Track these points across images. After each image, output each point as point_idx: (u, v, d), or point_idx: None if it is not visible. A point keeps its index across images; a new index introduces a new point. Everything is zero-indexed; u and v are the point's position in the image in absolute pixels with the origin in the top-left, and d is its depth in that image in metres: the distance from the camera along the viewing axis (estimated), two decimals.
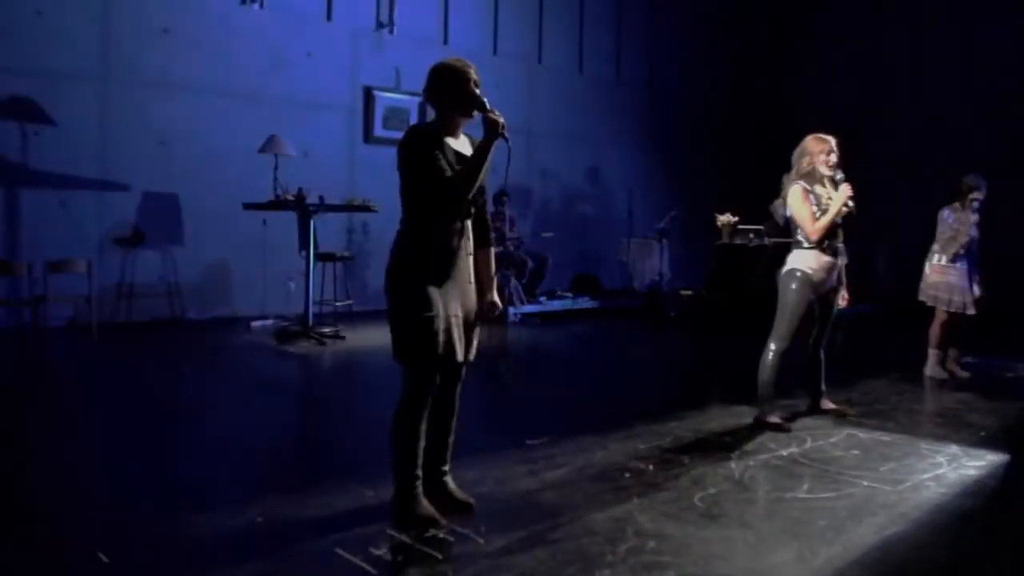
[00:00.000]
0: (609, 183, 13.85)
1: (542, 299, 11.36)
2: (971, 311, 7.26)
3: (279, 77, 10.17)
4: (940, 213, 7.36)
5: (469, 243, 3.66)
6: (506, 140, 3.50)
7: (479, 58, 11.50)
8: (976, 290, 7.30)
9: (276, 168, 8.77)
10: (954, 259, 7.21)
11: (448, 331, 3.53)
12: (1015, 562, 3.47)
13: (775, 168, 5.66)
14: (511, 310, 10.52)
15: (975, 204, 7.24)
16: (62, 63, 8.71)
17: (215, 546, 3.38)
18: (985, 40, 12.99)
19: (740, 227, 11.52)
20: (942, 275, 7.24)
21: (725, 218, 11.58)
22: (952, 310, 7.22)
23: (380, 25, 11.17)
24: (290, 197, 8.43)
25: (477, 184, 3.54)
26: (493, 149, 3.51)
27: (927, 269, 7.38)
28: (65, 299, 8.22)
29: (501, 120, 3.49)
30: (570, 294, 12.09)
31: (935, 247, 7.36)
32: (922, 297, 7.43)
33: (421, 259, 3.53)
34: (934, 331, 7.39)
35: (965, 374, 7.42)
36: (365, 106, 11.02)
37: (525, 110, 12.50)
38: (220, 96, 9.73)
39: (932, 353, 7.41)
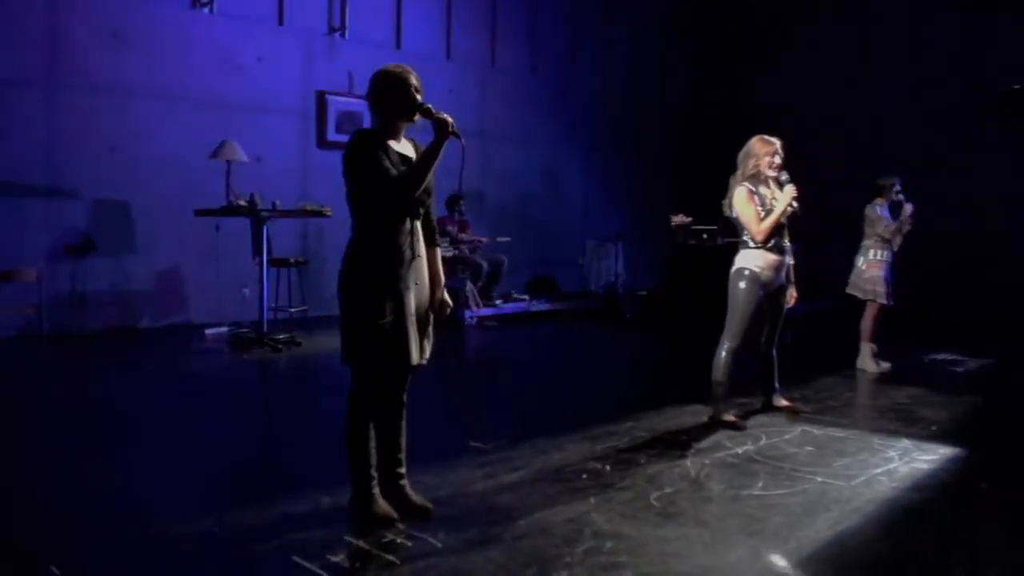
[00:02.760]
0: (564, 185, 13.87)
1: (498, 302, 11.35)
2: (892, 301, 7.53)
3: (231, 81, 10.07)
4: (871, 210, 7.55)
5: (420, 244, 3.68)
6: (458, 137, 3.54)
7: (432, 61, 11.66)
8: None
9: (228, 174, 8.68)
10: (888, 253, 7.49)
11: (403, 333, 3.55)
12: (965, 555, 3.53)
13: (728, 168, 5.72)
14: (467, 313, 10.50)
15: (901, 197, 7.53)
16: (7, 67, 8.55)
17: (170, 557, 3.34)
18: (931, 44, 13.22)
19: (694, 227, 11.61)
20: (878, 269, 7.46)
21: (679, 219, 11.66)
22: (889, 303, 7.42)
23: (332, 29, 11.11)
24: (243, 203, 8.34)
25: (424, 184, 3.57)
26: (443, 148, 3.54)
27: (861, 264, 7.58)
28: (14, 309, 8.08)
29: (450, 119, 3.52)
30: (526, 297, 12.09)
31: (868, 243, 7.59)
32: (854, 291, 7.61)
33: (372, 262, 3.55)
34: (867, 325, 7.57)
35: (887, 365, 7.58)
36: (318, 110, 10.95)
37: (479, 113, 12.48)
38: (171, 101, 9.62)
39: (866, 347, 7.56)
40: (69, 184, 9.00)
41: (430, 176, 3.58)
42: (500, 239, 11.61)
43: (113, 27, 9.23)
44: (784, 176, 5.50)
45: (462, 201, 10.96)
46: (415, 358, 3.62)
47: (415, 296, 3.64)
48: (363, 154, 3.54)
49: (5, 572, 3.20)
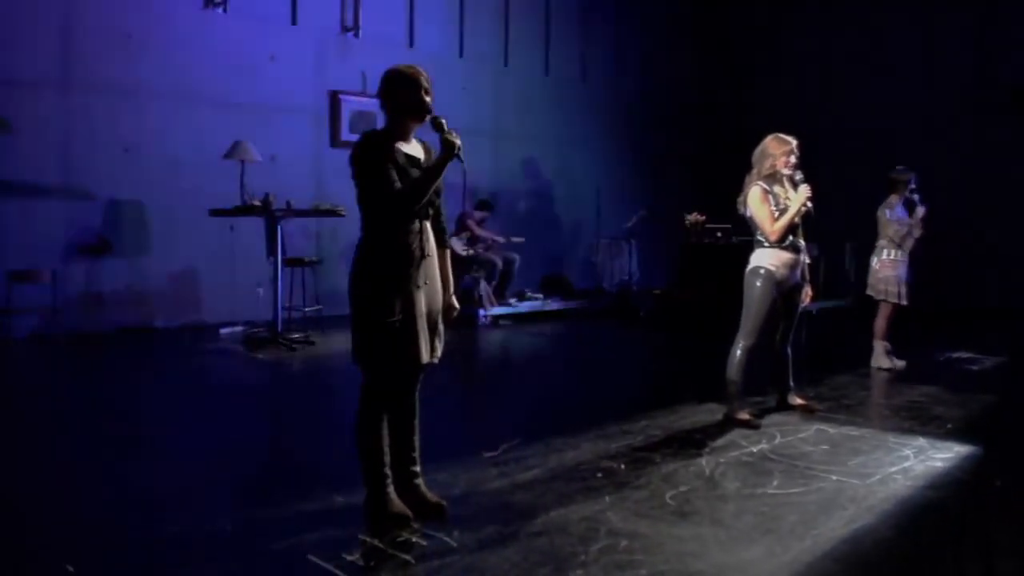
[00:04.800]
0: (577, 184, 13.83)
1: (512, 300, 11.35)
2: (907, 301, 7.48)
3: (244, 82, 10.09)
4: (881, 213, 7.52)
5: (429, 244, 3.69)
6: (462, 162, 3.55)
7: (445, 61, 11.66)
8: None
9: (243, 174, 8.71)
10: (902, 252, 7.42)
11: (413, 333, 3.56)
12: (979, 553, 3.51)
13: (742, 166, 5.70)
14: (480, 312, 10.51)
15: (916, 196, 7.46)
16: (23, 70, 8.59)
17: (185, 556, 3.35)
18: (941, 43, 13.17)
19: (708, 226, 11.58)
20: (892, 269, 7.42)
21: (693, 217, 11.64)
22: (902, 303, 7.38)
23: (345, 29, 11.12)
24: (257, 202, 8.36)
25: (426, 196, 3.57)
26: (446, 168, 3.56)
27: (875, 264, 7.54)
28: (29, 310, 8.11)
29: (458, 143, 3.54)
30: (540, 295, 12.08)
31: (882, 243, 7.54)
32: (871, 292, 7.58)
33: (381, 262, 3.56)
34: (880, 324, 7.54)
35: (902, 363, 7.54)
36: (331, 110, 10.96)
37: (491, 112, 12.49)
38: (185, 101, 9.65)
39: (879, 345, 7.52)
40: (84, 185, 9.03)
41: (431, 188, 3.59)
42: (515, 239, 11.59)
43: (127, 28, 9.26)
44: (799, 175, 5.49)
45: (492, 208, 11.19)
46: (425, 357, 3.63)
47: (425, 295, 3.65)
48: (367, 159, 3.54)
49: (20, 570, 3.22)
